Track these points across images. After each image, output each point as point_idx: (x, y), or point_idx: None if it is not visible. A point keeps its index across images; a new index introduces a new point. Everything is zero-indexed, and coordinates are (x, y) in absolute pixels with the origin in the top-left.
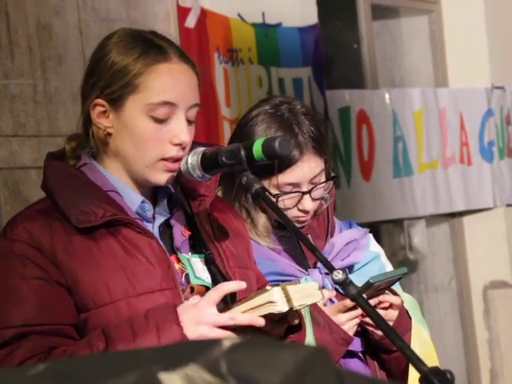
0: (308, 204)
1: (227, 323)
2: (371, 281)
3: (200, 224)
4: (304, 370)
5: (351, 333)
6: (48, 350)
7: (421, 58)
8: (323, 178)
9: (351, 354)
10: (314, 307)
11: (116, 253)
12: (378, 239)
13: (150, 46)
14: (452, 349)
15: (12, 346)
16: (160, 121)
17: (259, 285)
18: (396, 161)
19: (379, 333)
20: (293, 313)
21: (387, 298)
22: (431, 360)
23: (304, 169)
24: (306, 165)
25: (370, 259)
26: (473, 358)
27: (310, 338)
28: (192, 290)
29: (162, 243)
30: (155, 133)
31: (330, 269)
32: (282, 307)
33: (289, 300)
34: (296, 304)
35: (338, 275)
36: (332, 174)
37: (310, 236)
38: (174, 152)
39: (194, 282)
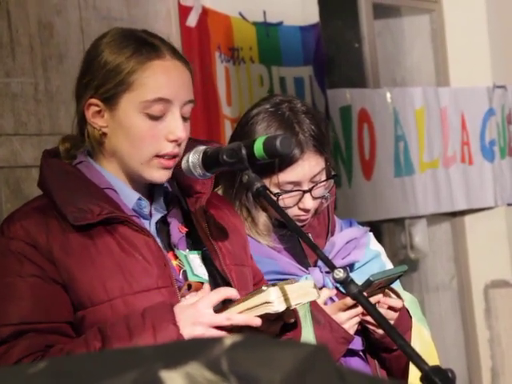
0: (308, 203)
1: (224, 323)
2: (371, 279)
3: (196, 221)
4: (305, 368)
5: (352, 331)
6: (45, 348)
7: (422, 57)
8: (324, 177)
9: (352, 353)
10: (314, 306)
11: (112, 251)
12: (379, 238)
13: (143, 44)
14: (453, 348)
15: (9, 344)
16: (155, 118)
17: (255, 280)
18: (397, 160)
19: (380, 331)
20: (289, 311)
21: (388, 301)
22: (432, 359)
23: (304, 167)
24: (307, 163)
25: (371, 258)
26: (474, 357)
27: (310, 337)
28: (189, 287)
29: (158, 241)
30: (151, 130)
31: (331, 267)
32: (278, 307)
33: (285, 299)
34: (292, 303)
35: (339, 274)
36: (332, 173)
37: (310, 235)
38: (169, 148)
39: (191, 279)
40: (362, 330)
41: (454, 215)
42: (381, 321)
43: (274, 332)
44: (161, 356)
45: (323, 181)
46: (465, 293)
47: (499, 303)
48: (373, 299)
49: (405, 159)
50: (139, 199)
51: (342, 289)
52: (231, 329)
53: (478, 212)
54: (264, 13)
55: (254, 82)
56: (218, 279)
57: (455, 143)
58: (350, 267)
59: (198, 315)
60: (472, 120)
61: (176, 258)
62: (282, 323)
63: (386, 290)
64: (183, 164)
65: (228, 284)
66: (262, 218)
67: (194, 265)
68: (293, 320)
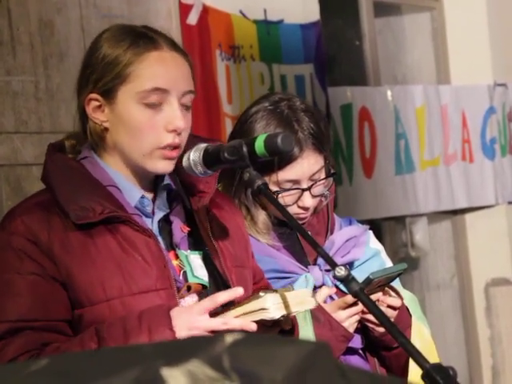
0: (308, 201)
1: (220, 328)
2: (371, 277)
3: (199, 221)
4: (306, 365)
5: (351, 330)
6: (40, 346)
7: (423, 55)
8: (323, 175)
9: (351, 351)
10: None
11: (113, 250)
12: (380, 236)
13: (140, 37)
14: (454, 346)
15: (5, 341)
16: (153, 107)
17: (256, 279)
18: (398, 158)
19: (379, 330)
20: (286, 318)
21: (387, 299)
22: (431, 357)
23: (304, 166)
24: (306, 161)
25: (370, 256)
26: (474, 356)
27: (310, 335)
28: (189, 288)
29: (160, 240)
30: (150, 120)
31: (332, 265)
32: (274, 314)
33: (281, 307)
34: (288, 311)
35: (341, 271)
36: (332, 171)
37: (309, 233)
38: (170, 139)
39: (191, 280)
40: (362, 328)
41: (454, 213)
42: (382, 319)
43: None
44: (162, 354)
45: (322, 179)
46: (465, 291)
47: (500, 301)
48: (372, 297)
49: (405, 157)
50: (142, 197)
51: (341, 287)
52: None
53: (478, 210)
54: (265, 11)
55: (254, 80)
56: (218, 280)
57: (456, 141)
58: (350, 265)
59: (193, 320)
60: (473, 118)
61: (177, 257)
62: (279, 330)
63: (386, 289)
64: (184, 162)
65: (228, 286)
66: (262, 216)
67: (195, 265)
68: (289, 327)
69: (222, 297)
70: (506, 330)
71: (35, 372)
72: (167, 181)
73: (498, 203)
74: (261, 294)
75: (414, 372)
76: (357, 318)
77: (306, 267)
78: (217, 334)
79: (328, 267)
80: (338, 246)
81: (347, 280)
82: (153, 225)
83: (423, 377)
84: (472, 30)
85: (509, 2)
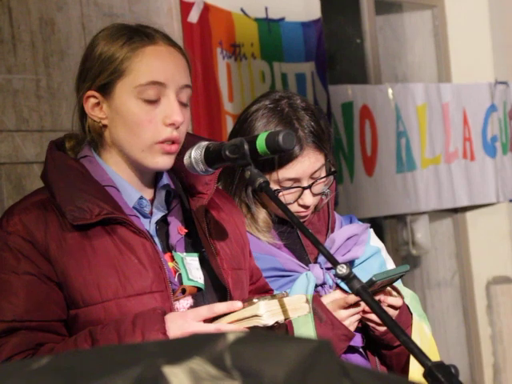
0: (308, 199)
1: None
2: (374, 279)
3: (197, 222)
4: (309, 363)
5: (352, 328)
6: (35, 346)
7: (424, 53)
8: (323, 173)
9: (352, 350)
10: (316, 303)
11: (109, 252)
12: (381, 234)
13: (136, 33)
14: (455, 344)
15: (0, 340)
16: (150, 102)
17: (254, 279)
18: (399, 156)
19: (380, 329)
20: (280, 325)
21: (388, 299)
22: (432, 355)
23: (304, 164)
24: (306, 160)
25: (371, 254)
26: (475, 354)
27: (311, 334)
28: (184, 291)
29: (156, 243)
30: (147, 115)
31: (334, 263)
32: (267, 321)
33: (275, 313)
34: (282, 318)
35: (342, 269)
36: (332, 169)
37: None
38: (168, 133)
39: (186, 283)
40: (363, 327)
41: (455, 211)
42: (383, 317)
43: None
44: (163, 351)
45: (323, 177)
46: (466, 289)
47: (501, 299)
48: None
49: (407, 155)
50: (140, 198)
51: (341, 285)
52: None
53: (479, 208)
54: (266, 9)
55: (255, 78)
56: (214, 282)
57: (457, 139)
58: (350, 264)
59: (187, 325)
60: (474, 116)
61: (173, 259)
62: None
63: (387, 288)
64: (185, 160)
65: (224, 288)
66: (262, 214)
67: (190, 268)
68: (283, 333)
69: (220, 308)
70: (508, 328)
71: (37, 370)
72: (166, 181)
73: (499, 201)
74: (254, 300)
75: (415, 370)
76: (358, 317)
77: (307, 265)
78: (218, 333)
79: (329, 265)
80: (338, 244)
81: (348, 278)
82: (150, 226)
83: (425, 375)
84: (473, 28)
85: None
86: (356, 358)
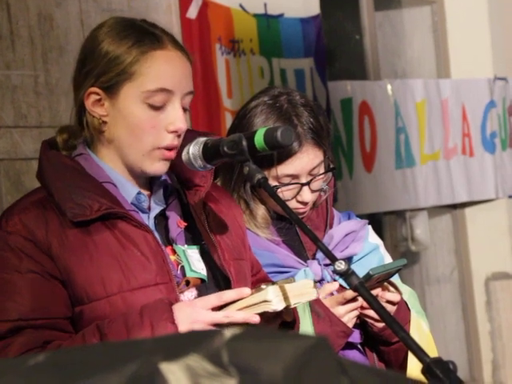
0: (307, 195)
1: (223, 321)
2: (371, 272)
3: (196, 215)
4: (306, 359)
5: (350, 325)
6: (42, 344)
7: (423, 49)
8: (322, 170)
9: (350, 346)
10: (314, 300)
11: (111, 246)
12: (380, 231)
13: (144, 34)
14: (454, 340)
15: (6, 340)
16: (156, 108)
17: (254, 271)
18: (398, 152)
19: (378, 325)
20: (288, 310)
21: (386, 295)
22: (430, 351)
23: (303, 160)
24: (305, 156)
25: (369, 250)
26: (475, 350)
27: (309, 329)
28: (187, 283)
29: (157, 236)
30: (151, 120)
31: (332, 259)
32: (276, 306)
33: (284, 298)
34: (291, 302)
35: (341, 266)
36: (331, 166)
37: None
38: (169, 140)
39: (189, 275)
40: (361, 323)
41: (454, 207)
42: (382, 313)
43: None
44: (160, 348)
45: (322, 174)
46: (465, 285)
47: (500, 295)
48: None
49: (406, 151)
50: (138, 193)
51: (340, 281)
52: (229, 327)
53: (478, 204)
54: (265, 5)
55: (254, 74)
56: (216, 274)
57: (456, 135)
58: (349, 260)
59: (196, 314)
60: (473, 112)
61: (174, 252)
62: (281, 321)
63: (385, 284)
64: (183, 155)
65: (227, 279)
66: (261, 210)
67: (192, 260)
68: (291, 319)
69: (229, 295)
70: (507, 324)
71: (34, 367)
72: (163, 176)
73: (499, 197)
74: (262, 286)
75: (413, 367)
76: (356, 313)
77: (305, 262)
78: (216, 329)
79: (327, 262)
80: (336, 240)
81: (347, 274)
82: (149, 221)
83: (423, 371)
84: (472, 24)
85: None
86: (354, 355)
